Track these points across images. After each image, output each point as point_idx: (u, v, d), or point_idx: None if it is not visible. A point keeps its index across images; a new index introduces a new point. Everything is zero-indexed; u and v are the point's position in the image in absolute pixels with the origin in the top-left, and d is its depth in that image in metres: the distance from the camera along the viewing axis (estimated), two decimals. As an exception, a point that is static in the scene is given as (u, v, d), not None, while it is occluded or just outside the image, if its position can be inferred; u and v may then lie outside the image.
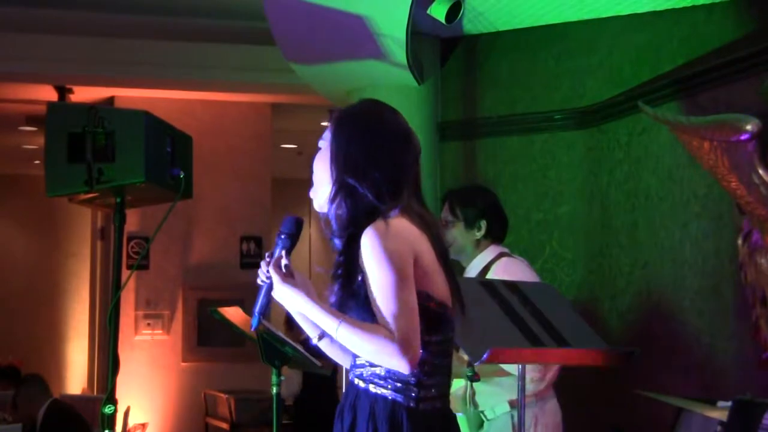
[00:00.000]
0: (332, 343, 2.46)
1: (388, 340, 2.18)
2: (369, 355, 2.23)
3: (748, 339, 4.16)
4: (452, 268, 2.41)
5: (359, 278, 2.28)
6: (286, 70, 6.10)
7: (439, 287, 2.31)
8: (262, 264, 2.42)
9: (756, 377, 4.13)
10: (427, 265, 2.30)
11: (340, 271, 2.32)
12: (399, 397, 2.28)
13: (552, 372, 3.70)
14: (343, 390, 2.43)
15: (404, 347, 2.17)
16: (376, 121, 2.40)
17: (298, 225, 2.45)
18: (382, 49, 5.26)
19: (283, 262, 2.38)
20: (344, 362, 2.48)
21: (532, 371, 3.54)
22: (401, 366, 2.19)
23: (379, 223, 2.27)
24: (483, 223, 3.83)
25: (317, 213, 2.44)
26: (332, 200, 2.36)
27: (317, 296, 2.36)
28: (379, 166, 2.34)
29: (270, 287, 2.40)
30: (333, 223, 2.37)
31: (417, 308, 2.22)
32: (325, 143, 2.42)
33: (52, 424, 5.86)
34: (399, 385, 2.28)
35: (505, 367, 3.61)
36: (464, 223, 3.83)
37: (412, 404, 2.28)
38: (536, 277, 3.86)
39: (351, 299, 2.29)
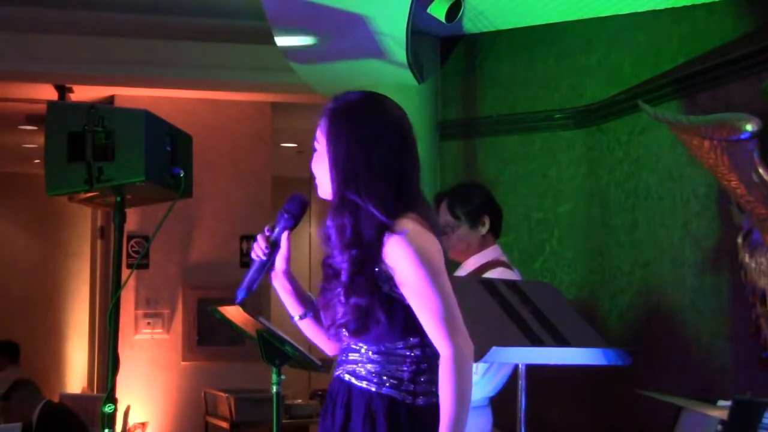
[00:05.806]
0: (313, 323, 2.44)
1: (445, 362, 2.18)
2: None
3: (748, 339, 4.16)
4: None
5: (385, 289, 2.24)
6: (286, 69, 6.09)
7: None
8: (260, 238, 2.40)
9: (756, 377, 4.12)
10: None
11: (359, 290, 2.24)
12: (395, 393, 2.24)
13: (503, 371, 3.65)
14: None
15: (459, 352, 2.18)
16: (372, 121, 2.30)
17: (303, 206, 2.41)
18: (382, 48, 5.26)
19: (283, 245, 2.37)
20: (324, 345, 2.44)
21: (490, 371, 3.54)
22: (468, 362, 2.20)
23: (403, 226, 2.22)
24: (486, 219, 3.82)
25: (318, 211, 2.42)
26: (335, 213, 2.27)
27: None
28: (379, 175, 2.25)
29: (263, 264, 2.39)
30: (331, 232, 2.29)
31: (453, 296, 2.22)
32: (319, 146, 2.34)
33: (47, 425, 5.86)
34: (395, 381, 2.25)
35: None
36: (468, 223, 3.81)
37: (408, 400, 2.25)
38: None
39: (379, 312, 2.24)
